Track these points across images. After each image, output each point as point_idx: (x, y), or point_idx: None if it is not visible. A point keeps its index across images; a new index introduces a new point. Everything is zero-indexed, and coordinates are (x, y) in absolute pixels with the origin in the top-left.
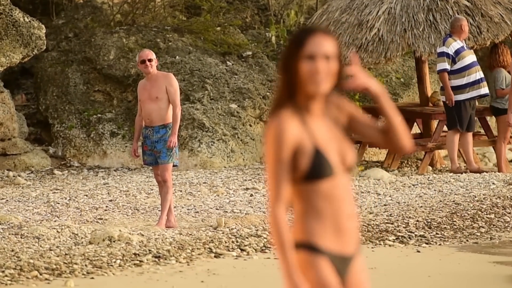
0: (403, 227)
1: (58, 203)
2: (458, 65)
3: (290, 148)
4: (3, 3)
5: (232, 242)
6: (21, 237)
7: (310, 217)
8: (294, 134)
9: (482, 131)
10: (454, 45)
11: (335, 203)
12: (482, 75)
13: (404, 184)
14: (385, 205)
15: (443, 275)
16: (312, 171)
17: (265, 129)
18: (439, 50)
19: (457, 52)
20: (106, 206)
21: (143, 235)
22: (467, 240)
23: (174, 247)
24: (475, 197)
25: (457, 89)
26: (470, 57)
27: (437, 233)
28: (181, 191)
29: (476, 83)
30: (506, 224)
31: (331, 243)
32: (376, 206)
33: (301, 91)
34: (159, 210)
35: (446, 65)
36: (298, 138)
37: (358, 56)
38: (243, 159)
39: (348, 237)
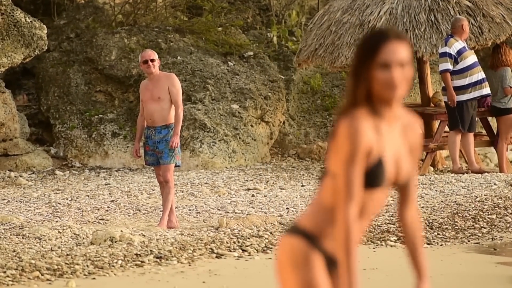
0: None
1: (60, 204)
2: (460, 66)
3: (365, 149)
4: (5, 3)
5: (234, 242)
6: (22, 238)
7: (328, 217)
8: (368, 136)
9: (483, 131)
10: (456, 45)
11: (360, 214)
12: (484, 76)
13: None
14: (386, 205)
15: (444, 276)
16: (367, 179)
17: (337, 127)
18: (441, 50)
19: (459, 52)
20: (108, 207)
21: (144, 235)
22: (469, 241)
23: (176, 247)
24: (477, 197)
25: (459, 89)
26: (471, 58)
27: (438, 234)
28: (182, 191)
29: (478, 83)
30: (508, 225)
31: (330, 245)
32: None
33: (374, 95)
34: (160, 211)
35: (448, 66)
36: (370, 141)
37: None
38: (245, 160)
39: None
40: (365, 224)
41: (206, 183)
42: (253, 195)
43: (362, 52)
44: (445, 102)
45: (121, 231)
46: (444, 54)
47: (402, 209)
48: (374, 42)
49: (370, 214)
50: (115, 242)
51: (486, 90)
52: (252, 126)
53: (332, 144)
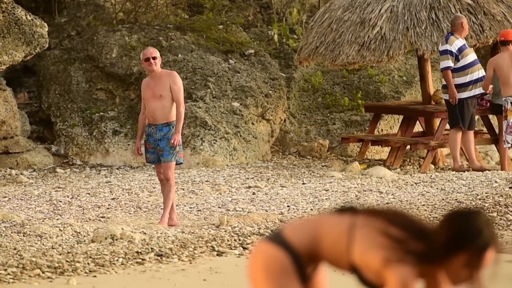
0: None
1: (61, 201)
2: (461, 63)
3: None
4: (6, 1)
5: (235, 240)
6: (23, 235)
7: (317, 256)
8: None
9: (484, 129)
10: (457, 43)
11: None
12: (484, 73)
13: (407, 182)
14: (387, 203)
15: None
16: None
17: (396, 272)
18: (442, 48)
19: (460, 50)
20: (109, 205)
21: (145, 233)
22: None
23: (177, 245)
24: (478, 195)
25: (460, 87)
26: (472, 55)
27: None
28: (183, 189)
29: (478, 81)
30: (509, 223)
31: (310, 269)
32: (379, 204)
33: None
34: (161, 208)
35: (450, 63)
36: None
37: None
38: (246, 157)
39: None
40: None
41: (207, 181)
42: (254, 193)
43: (468, 247)
44: (445, 100)
45: (122, 229)
46: (445, 52)
47: None
48: (483, 249)
49: None
50: (116, 240)
51: None
52: (253, 124)
53: (385, 272)
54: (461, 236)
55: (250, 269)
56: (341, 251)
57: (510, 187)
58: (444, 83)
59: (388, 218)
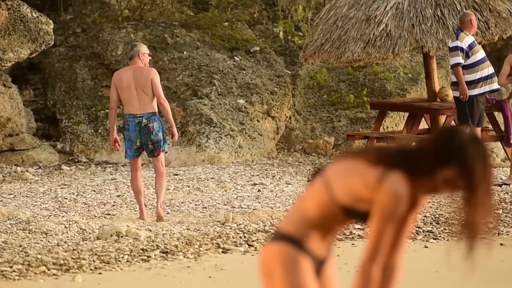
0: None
1: (66, 199)
2: (471, 60)
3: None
4: None
5: (240, 237)
6: (29, 233)
7: (313, 227)
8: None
9: (490, 126)
10: (467, 39)
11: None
12: (493, 70)
13: None
14: None
15: (451, 271)
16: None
17: (386, 182)
18: (452, 44)
19: (470, 46)
20: (114, 202)
21: (150, 230)
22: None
23: (182, 242)
24: None
25: (470, 84)
26: (481, 52)
27: (445, 229)
28: (188, 186)
29: (489, 77)
30: None
31: (316, 247)
32: None
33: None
34: (166, 206)
35: (460, 59)
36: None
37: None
38: (251, 155)
39: (329, 244)
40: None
41: (212, 178)
42: (259, 190)
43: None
44: (455, 97)
45: (127, 226)
46: (456, 48)
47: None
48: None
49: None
50: (121, 237)
51: (495, 85)
52: (258, 121)
53: (376, 194)
54: (446, 149)
55: (263, 275)
56: (327, 205)
57: (499, 185)
58: (454, 80)
59: (358, 152)
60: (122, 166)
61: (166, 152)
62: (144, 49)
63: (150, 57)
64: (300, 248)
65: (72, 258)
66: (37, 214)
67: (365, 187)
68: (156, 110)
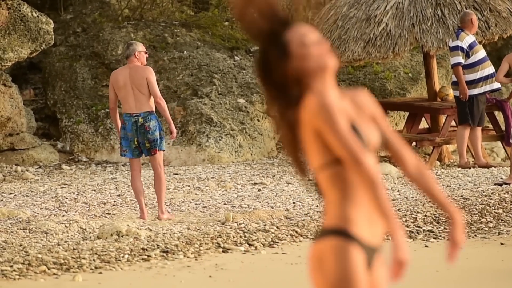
0: (411, 222)
1: (66, 198)
2: (471, 60)
3: (344, 115)
4: None
5: (240, 237)
6: (29, 232)
7: (346, 203)
8: (337, 102)
9: (490, 125)
10: (468, 39)
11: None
12: (494, 70)
13: None
14: (393, 200)
15: (451, 270)
16: None
17: (308, 105)
18: (453, 44)
19: (471, 46)
20: (114, 201)
21: (151, 230)
22: (475, 235)
23: (182, 242)
24: (483, 192)
25: (470, 83)
26: (482, 52)
27: (445, 228)
28: (189, 186)
29: (489, 77)
30: None
31: (364, 232)
32: None
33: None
34: (167, 205)
35: (460, 59)
36: (341, 109)
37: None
38: (251, 154)
39: (377, 227)
40: None
41: (212, 178)
42: (259, 190)
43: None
44: (455, 96)
45: (128, 225)
46: (456, 48)
47: (403, 167)
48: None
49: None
50: (122, 236)
51: (496, 84)
52: (258, 120)
53: (306, 127)
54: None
55: (313, 269)
56: (336, 178)
57: (499, 184)
58: (454, 79)
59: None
60: (123, 165)
61: (164, 151)
62: (140, 48)
63: (147, 55)
64: (347, 236)
65: (73, 258)
66: (38, 213)
67: (312, 133)
68: (153, 109)
